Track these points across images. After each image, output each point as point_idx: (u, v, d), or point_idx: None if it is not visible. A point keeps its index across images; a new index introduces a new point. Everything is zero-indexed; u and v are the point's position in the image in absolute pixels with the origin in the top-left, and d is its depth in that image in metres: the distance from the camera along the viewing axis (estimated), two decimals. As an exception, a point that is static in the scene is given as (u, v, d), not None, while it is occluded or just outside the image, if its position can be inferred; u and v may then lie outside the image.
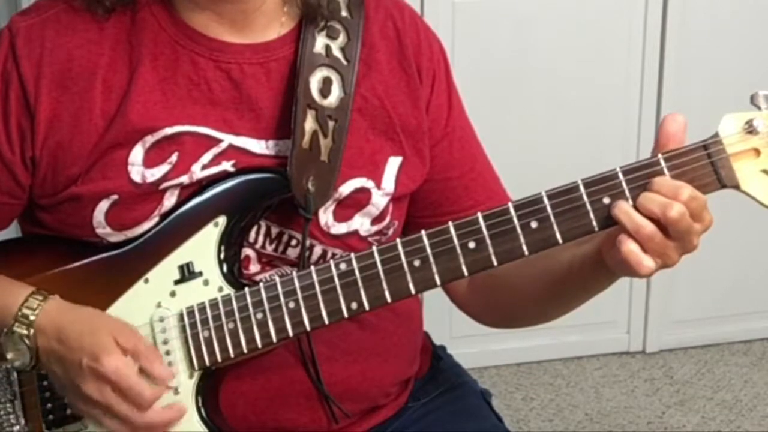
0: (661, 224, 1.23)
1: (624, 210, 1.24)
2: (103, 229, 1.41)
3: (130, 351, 1.33)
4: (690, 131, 3.38)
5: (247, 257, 1.44)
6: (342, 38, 1.45)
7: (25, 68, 1.41)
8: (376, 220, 1.48)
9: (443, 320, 2.52)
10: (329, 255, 1.46)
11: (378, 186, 1.46)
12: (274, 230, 1.44)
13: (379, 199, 1.47)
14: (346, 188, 1.44)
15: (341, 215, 1.45)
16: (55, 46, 1.41)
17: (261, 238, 1.44)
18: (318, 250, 1.45)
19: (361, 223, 1.47)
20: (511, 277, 1.45)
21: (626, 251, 1.24)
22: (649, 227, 1.23)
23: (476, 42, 2.83)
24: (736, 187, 1.25)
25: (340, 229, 1.46)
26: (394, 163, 1.48)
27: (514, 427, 2.85)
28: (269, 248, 1.44)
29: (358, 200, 1.46)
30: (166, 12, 1.43)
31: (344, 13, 1.46)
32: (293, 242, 1.44)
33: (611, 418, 2.88)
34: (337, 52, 1.44)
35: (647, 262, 1.24)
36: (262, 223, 1.43)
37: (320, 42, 1.44)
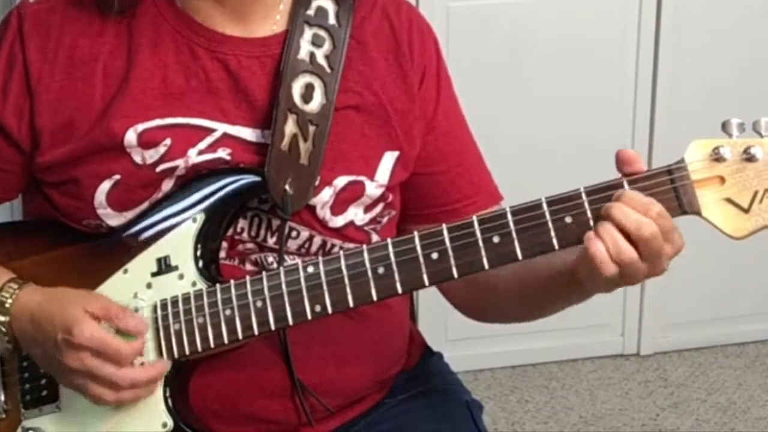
0: (633, 239, 1.26)
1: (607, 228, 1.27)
2: (104, 210, 1.44)
3: (101, 315, 1.36)
4: (683, 132, 3.39)
5: (248, 249, 1.46)
6: (327, 46, 1.47)
7: (31, 52, 1.45)
8: (368, 208, 1.50)
9: (439, 323, 2.53)
10: (329, 245, 1.48)
11: (371, 179, 1.48)
12: (275, 222, 1.46)
13: (374, 191, 1.49)
14: (340, 182, 1.46)
15: (337, 209, 1.47)
16: (61, 33, 1.45)
17: (263, 231, 1.46)
18: (318, 241, 1.48)
19: (355, 213, 1.49)
20: (489, 276, 1.45)
21: (594, 250, 1.26)
22: (628, 251, 1.25)
23: (470, 46, 2.84)
24: (698, 213, 1.27)
25: (337, 222, 1.48)
26: (390, 158, 1.49)
27: (509, 430, 2.85)
28: (270, 241, 1.46)
29: (353, 193, 1.48)
30: (167, 1, 1.46)
31: (332, 21, 1.48)
32: (293, 234, 1.46)
33: (606, 421, 2.88)
34: (321, 60, 1.46)
35: (611, 267, 1.26)
36: (263, 216, 1.45)
37: (305, 48, 1.46)
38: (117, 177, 1.43)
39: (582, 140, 2.97)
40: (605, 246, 1.26)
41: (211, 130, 1.44)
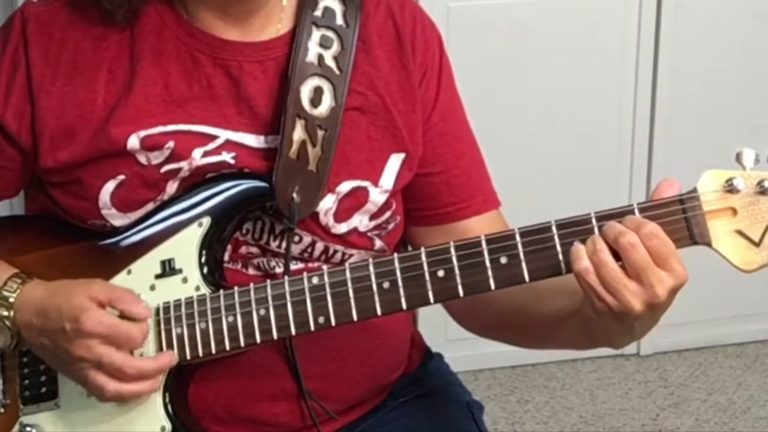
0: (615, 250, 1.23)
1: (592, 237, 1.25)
2: (108, 210, 1.44)
3: (106, 301, 1.35)
4: (683, 132, 3.37)
5: (251, 253, 1.46)
6: (335, 47, 1.46)
7: (34, 55, 1.45)
8: (374, 216, 1.49)
9: (439, 323, 2.52)
10: (331, 251, 1.48)
11: (375, 184, 1.47)
12: (278, 227, 1.45)
13: (378, 197, 1.48)
14: (343, 188, 1.46)
15: (341, 216, 1.47)
16: (64, 37, 1.45)
17: (266, 235, 1.46)
18: (320, 246, 1.47)
19: (360, 220, 1.48)
20: (493, 296, 1.42)
21: (582, 269, 1.23)
22: (604, 251, 1.23)
23: (470, 46, 2.84)
24: (708, 244, 1.24)
25: (340, 229, 1.47)
26: (396, 160, 1.48)
27: (509, 430, 2.85)
28: (273, 245, 1.46)
29: (357, 199, 1.47)
30: (169, 8, 1.46)
31: (339, 22, 1.47)
32: (296, 239, 1.46)
33: (606, 421, 2.89)
34: (329, 62, 1.45)
35: (602, 292, 1.23)
36: (266, 220, 1.45)
37: (313, 51, 1.45)
38: (122, 177, 1.43)
39: (582, 140, 2.97)
40: (586, 248, 1.24)
41: (214, 137, 1.43)
